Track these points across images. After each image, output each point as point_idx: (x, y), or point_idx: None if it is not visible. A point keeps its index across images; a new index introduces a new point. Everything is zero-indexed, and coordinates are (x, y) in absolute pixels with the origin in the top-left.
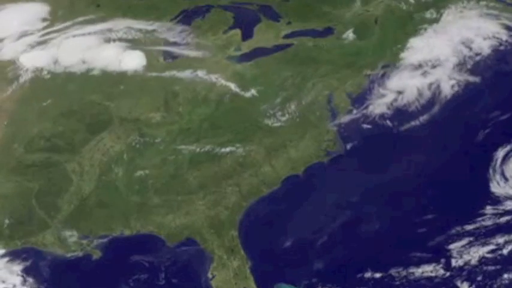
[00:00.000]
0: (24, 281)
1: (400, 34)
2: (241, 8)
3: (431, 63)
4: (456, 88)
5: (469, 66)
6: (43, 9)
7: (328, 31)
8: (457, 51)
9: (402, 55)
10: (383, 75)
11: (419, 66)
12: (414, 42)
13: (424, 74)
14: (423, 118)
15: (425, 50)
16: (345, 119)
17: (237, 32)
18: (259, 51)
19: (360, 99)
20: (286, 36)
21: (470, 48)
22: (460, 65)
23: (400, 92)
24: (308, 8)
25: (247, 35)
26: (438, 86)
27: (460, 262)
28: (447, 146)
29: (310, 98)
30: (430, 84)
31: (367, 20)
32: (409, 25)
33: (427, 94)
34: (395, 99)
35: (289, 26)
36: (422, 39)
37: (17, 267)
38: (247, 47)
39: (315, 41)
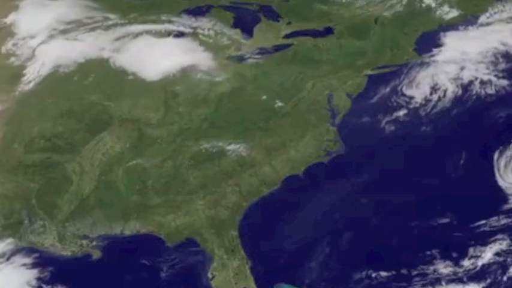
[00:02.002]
0: (24, 281)
1: (400, 34)
2: (241, 8)
3: (462, 63)
4: (483, 90)
5: (502, 68)
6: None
7: (328, 31)
8: (492, 52)
9: (430, 55)
10: (407, 74)
11: (450, 65)
12: (447, 40)
13: (454, 73)
14: (439, 118)
15: (458, 49)
16: (355, 118)
17: (237, 32)
18: (259, 51)
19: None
20: (286, 36)
21: (506, 51)
22: (494, 67)
23: (423, 92)
24: (308, 8)
25: (247, 35)
26: (464, 86)
27: (471, 260)
28: (460, 146)
29: (310, 98)
30: (458, 85)
31: (367, 20)
32: (410, 25)
33: (451, 94)
34: (417, 99)
35: (289, 26)
36: (454, 38)
37: (17, 267)
38: (247, 47)
39: (315, 41)
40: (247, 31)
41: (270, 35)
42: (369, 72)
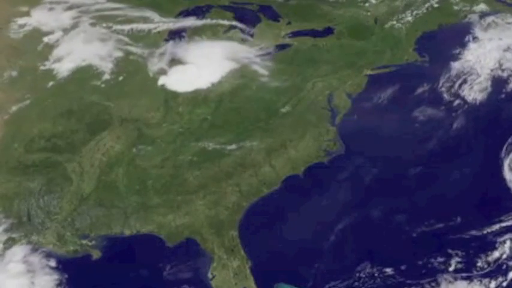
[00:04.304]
0: (23, 281)
1: (400, 34)
2: (241, 8)
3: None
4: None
5: None
6: None
7: (328, 31)
8: None
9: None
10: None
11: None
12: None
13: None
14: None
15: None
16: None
17: (237, 32)
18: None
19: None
20: (286, 36)
21: None
22: None
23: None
24: (308, 8)
25: (247, 35)
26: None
27: (481, 258)
28: (468, 145)
29: (310, 98)
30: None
31: (367, 20)
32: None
33: (470, 94)
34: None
35: (289, 26)
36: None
37: (17, 267)
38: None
39: (315, 41)
40: (247, 31)
41: (270, 35)
42: (369, 72)
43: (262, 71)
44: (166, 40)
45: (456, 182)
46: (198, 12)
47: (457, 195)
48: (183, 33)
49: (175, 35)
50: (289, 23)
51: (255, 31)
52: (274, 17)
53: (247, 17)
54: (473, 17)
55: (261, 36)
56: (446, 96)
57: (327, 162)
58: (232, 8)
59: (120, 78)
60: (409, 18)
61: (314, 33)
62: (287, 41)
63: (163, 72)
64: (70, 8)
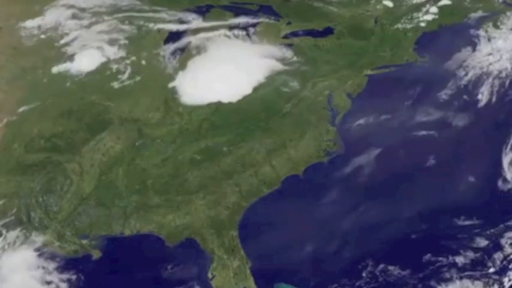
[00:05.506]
0: (23, 281)
1: (401, 34)
2: (241, 8)
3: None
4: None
5: None
6: None
7: (328, 31)
8: None
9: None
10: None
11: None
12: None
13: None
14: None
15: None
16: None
17: (237, 32)
18: None
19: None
20: (286, 36)
21: None
22: None
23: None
24: (308, 8)
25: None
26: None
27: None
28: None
29: (310, 98)
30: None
31: (367, 20)
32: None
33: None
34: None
35: (289, 26)
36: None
37: (17, 267)
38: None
39: (315, 41)
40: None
41: (270, 35)
42: (369, 72)
43: (262, 71)
44: (177, 40)
45: (460, 181)
46: (198, 12)
47: (461, 194)
48: (199, 33)
49: (186, 34)
50: (289, 23)
51: (255, 31)
52: (274, 17)
53: (247, 17)
54: (477, 16)
55: (261, 36)
56: (449, 96)
57: (327, 162)
58: (232, 8)
59: (138, 78)
60: (410, 18)
61: (314, 33)
62: (287, 41)
63: (177, 73)
64: (83, 9)
